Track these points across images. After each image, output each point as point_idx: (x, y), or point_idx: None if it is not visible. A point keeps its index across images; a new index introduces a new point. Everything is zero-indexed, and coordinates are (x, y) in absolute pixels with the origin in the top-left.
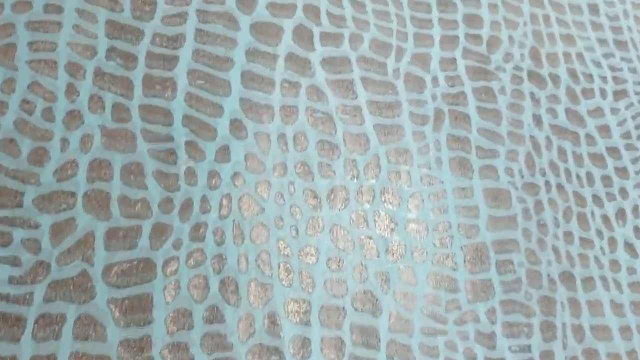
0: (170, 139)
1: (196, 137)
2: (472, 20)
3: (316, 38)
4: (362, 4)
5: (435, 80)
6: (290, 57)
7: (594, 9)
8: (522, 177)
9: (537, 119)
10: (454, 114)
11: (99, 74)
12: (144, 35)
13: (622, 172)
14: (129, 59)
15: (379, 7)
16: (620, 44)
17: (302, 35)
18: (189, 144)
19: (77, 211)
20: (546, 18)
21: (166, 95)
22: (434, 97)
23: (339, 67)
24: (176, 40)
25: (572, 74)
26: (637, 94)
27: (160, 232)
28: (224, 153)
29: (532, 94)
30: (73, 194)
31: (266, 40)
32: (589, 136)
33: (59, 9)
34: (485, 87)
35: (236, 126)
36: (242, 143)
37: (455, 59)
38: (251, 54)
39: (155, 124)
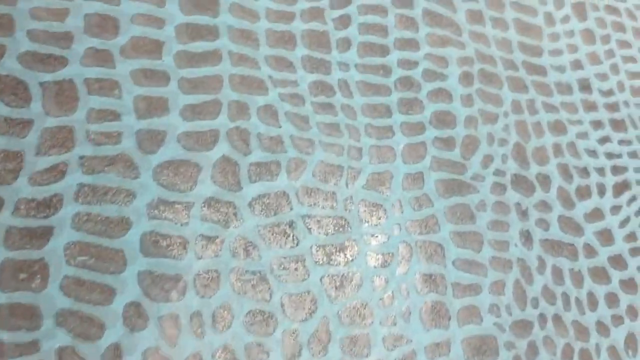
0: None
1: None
2: (443, 119)
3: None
4: (305, 119)
5: (398, 205)
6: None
7: (584, 85)
8: (511, 314)
9: (526, 236)
10: (424, 247)
11: None
12: None
13: (629, 285)
14: None
15: (327, 118)
16: (617, 124)
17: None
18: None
19: None
20: (530, 104)
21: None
22: (398, 228)
23: (273, 208)
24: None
25: (564, 170)
26: (639, 184)
27: None
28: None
29: (518, 205)
30: None
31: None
32: (587, 247)
33: None
34: (460, 206)
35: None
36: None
37: (421, 174)
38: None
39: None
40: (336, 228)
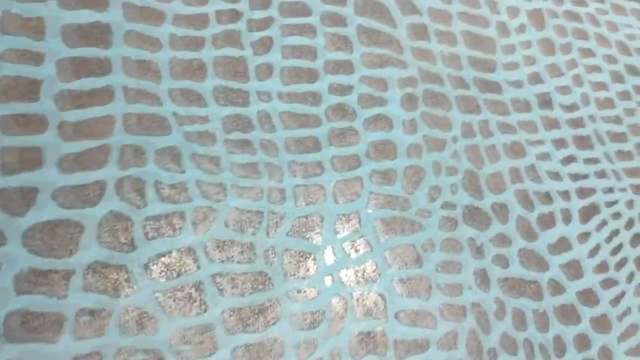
0: None
1: None
2: (382, 149)
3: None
4: (216, 160)
5: (330, 252)
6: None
7: (545, 100)
8: None
9: (482, 276)
10: (362, 299)
11: None
12: None
13: (601, 323)
14: None
15: (243, 157)
16: (582, 141)
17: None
18: None
19: None
20: (484, 125)
21: None
22: (330, 279)
23: (176, 269)
24: None
25: (524, 197)
26: (609, 206)
27: None
28: None
29: (471, 241)
30: None
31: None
32: (553, 283)
33: None
34: (404, 247)
35: None
36: None
37: (357, 214)
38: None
39: None
40: (254, 286)
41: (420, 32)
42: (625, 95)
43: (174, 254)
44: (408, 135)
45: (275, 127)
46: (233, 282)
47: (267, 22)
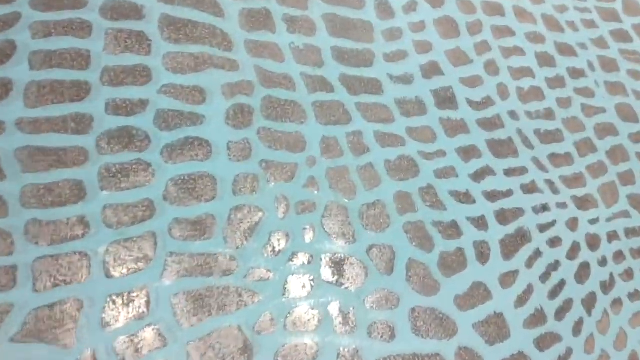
0: None
1: None
2: (190, 186)
3: None
4: None
5: None
6: None
7: (446, 97)
8: None
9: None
10: None
11: None
12: None
13: None
14: None
15: None
16: (501, 147)
17: None
18: None
19: None
20: (355, 138)
21: None
22: None
23: None
24: None
25: (417, 232)
26: (543, 230)
27: None
28: None
29: (340, 313)
30: None
31: None
32: (465, 352)
33: None
34: (225, 333)
35: None
36: None
37: (146, 290)
38: None
39: None
40: None
41: (260, 19)
42: (557, 82)
43: None
44: (236, 163)
45: None
46: None
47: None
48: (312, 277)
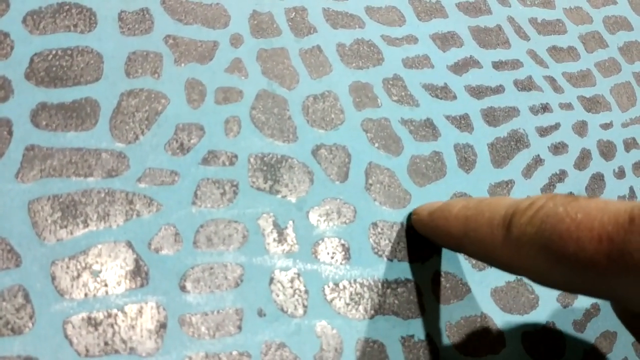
0: None
1: None
2: None
3: None
4: None
5: None
6: None
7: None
8: None
9: None
10: None
11: None
12: None
13: None
14: None
15: None
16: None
17: None
18: None
19: None
20: None
21: None
22: None
23: None
24: None
25: None
26: None
27: None
28: None
29: None
30: None
31: None
32: None
33: None
34: None
35: None
36: None
37: None
38: None
39: None
40: None
41: None
42: None
43: None
44: (130, 37)
45: None
46: None
47: None
48: (235, 182)
